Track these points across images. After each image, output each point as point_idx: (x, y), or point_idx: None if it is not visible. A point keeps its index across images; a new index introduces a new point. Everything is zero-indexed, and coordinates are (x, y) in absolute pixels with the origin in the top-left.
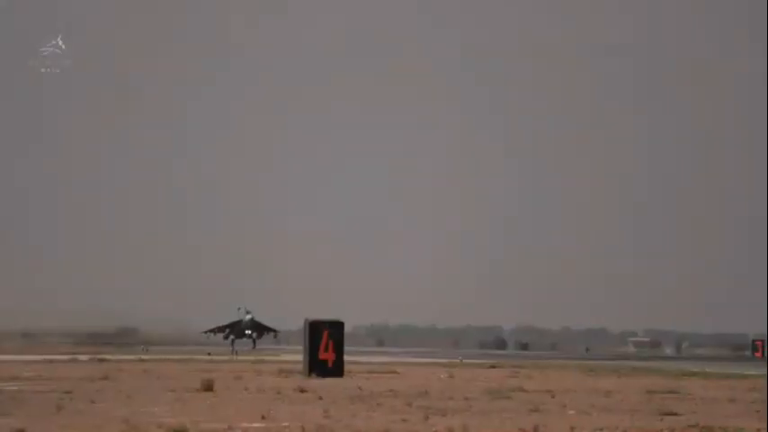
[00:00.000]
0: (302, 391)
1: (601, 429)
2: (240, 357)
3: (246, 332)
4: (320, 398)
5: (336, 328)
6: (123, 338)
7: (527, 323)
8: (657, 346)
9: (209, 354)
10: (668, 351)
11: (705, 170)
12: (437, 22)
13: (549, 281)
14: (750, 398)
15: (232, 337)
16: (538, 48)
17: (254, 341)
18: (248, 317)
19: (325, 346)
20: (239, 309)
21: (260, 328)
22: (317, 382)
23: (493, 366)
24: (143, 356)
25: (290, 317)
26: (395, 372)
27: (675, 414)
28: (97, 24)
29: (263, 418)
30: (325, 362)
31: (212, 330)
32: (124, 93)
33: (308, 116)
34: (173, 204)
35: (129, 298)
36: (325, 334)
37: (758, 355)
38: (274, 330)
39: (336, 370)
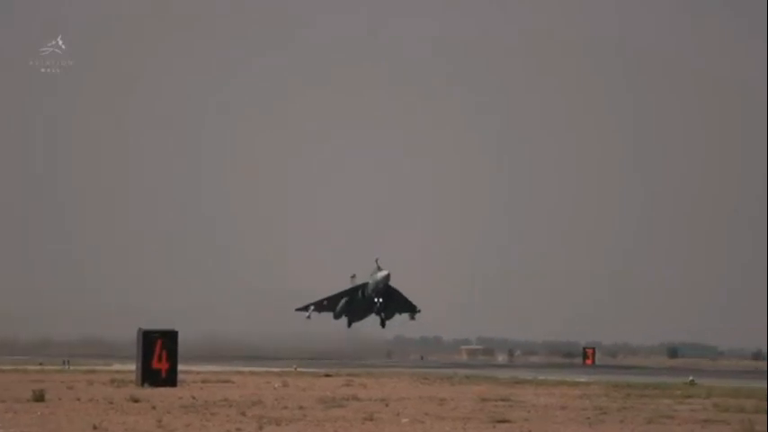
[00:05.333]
0: (135, 400)
1: None
2: (72, 367)
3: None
4: (153, 408)
5: (170, 337)
6: None
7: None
8: (490, 353)
9: (40, 363)
10: (501, 359)
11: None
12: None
13: None
14: (581, 405)
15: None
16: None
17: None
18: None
19: (158, 356)
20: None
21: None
22: (150, 392)
23: (327, 375)
24: None
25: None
26: (229, 381)
27: (508, 421)
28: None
29: (94, 428)
30: (158, 371)
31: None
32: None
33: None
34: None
35: None
36: (159, 344)
37: (588, 362)
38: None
39: (170, 379)
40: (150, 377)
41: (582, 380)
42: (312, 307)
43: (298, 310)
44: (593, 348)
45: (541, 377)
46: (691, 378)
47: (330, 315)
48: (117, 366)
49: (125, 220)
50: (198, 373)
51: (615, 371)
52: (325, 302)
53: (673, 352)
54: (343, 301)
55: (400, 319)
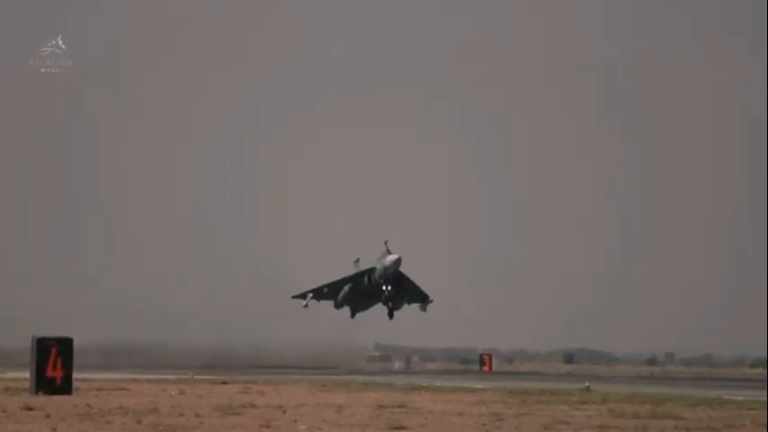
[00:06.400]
0: (29, 409)
1: None
2: None
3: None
4: (48, 416)
5: (65, 344)
6: None
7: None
8: (387, 360)
9: None
10: (398, 365)
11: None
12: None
13: None
14: (477, 411)
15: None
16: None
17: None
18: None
19: (53, 364)
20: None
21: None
22: (44, 400)
23: (224, 382)
24: None
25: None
26: (125, 389)
27: (405, 428)
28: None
29: None
30: (53, 379)
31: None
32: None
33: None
34: None
35: None
36: (54, 351)
37: (486, 369)
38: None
39: (65, 387)
40: (45, 385)
41: (479, 386)
42: (310, 294)
43: (294, 297)
44: (490, 355)
45: (438, 384)
46: (587, 384)
47: (331, 304)
48: (11, 374)
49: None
50: (94, 380)
51: (512, 377)
52: (325, 290)
53: (569, 358)
54: (346, 288)
55: (410, 309)
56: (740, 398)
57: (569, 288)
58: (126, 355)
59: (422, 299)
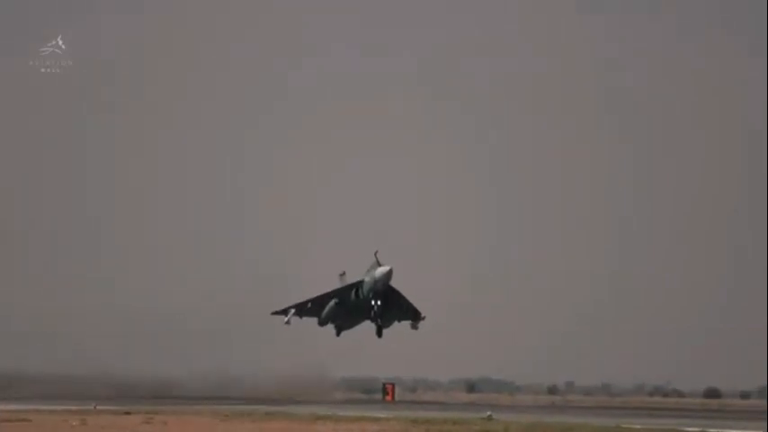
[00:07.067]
0: None
1: None
2: None
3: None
4: None
5: None
6: None
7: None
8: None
9: None
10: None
11: None
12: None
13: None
14: None
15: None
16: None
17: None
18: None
19: None
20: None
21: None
22: None
23: (127, 413)
24: None
25: None
26: (26, 420)
27: None
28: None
29: None
30: None
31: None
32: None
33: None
34: None
35: None
36: None
37: (389, 398)
38: None
39: None
40: None
41: (382, 415)
42: (292, 310)
43: (275, 313)
44: (393, 384)
45: (341, 413)
46: (489, 413)
47: (315, 321)
48: None
49: None
50: None
51: (415, 406)
52: (309, 305)
53: (471, 387)
54: (331, 303)
55: (400, 327)
56: (638, 426)
57: (475, 317)
58: (29, 385)
59: (414, 316)
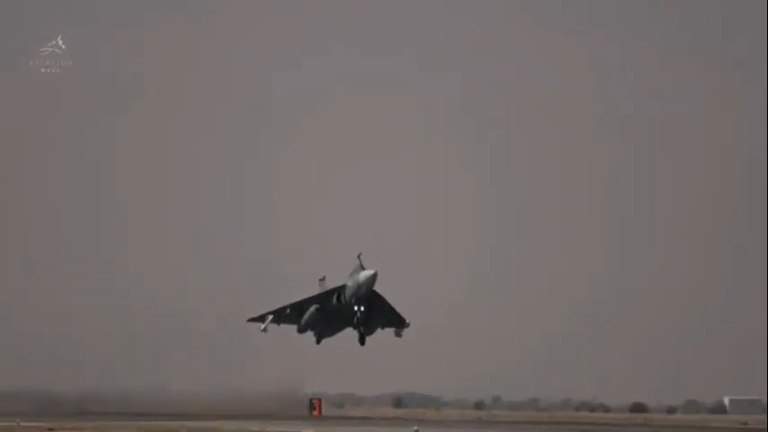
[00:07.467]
0: None
1: None
2: None
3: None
4: None
5: None
6: None
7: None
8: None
9: None
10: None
11: None
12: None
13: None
14: None
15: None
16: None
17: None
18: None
19: None
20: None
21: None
22: None
23: (50, 429)
24: None
25: None
26: None
27: None
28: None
29: None
30: None
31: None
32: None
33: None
34: None
35: None
36: None
37: (316, 413)
38: None
39: None
40: None
41: (309, 431)
42: (270, 317)
43: (251, 320)
44: (320, 399)
45: (268, 428)
46: (415, 428)
47: (294, 328)
48: None
49: None
50: None
51: (342, 422)
52: (287, 311)
53: (397, 402)
54: (311, 309)
55: (383, 335)
56: None
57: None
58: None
59: (398, 323)
